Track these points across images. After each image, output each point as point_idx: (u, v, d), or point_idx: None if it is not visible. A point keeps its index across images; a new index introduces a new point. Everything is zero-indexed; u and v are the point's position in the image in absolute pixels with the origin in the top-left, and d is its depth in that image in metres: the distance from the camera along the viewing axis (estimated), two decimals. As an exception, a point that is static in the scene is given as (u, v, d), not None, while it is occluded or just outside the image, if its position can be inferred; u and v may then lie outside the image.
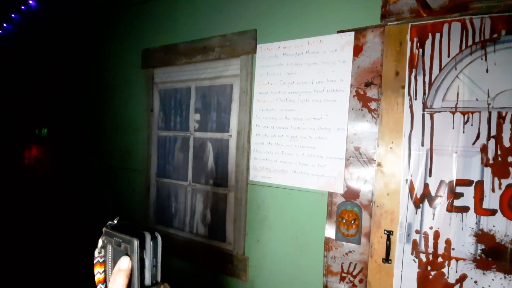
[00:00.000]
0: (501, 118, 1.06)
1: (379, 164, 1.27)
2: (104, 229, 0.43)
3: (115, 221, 0.45)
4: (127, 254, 0.39)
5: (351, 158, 1.34)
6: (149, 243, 0.41)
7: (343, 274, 1.36)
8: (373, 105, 1.29)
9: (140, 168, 2.15)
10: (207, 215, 1.87)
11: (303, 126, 1.46)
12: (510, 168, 1.05)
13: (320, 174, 1.41)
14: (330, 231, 1.39)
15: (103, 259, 0.43)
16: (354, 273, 1.33)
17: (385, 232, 1.24)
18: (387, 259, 1.24)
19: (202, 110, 1.87)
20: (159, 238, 0.42)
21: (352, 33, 1.33)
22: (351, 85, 1.34)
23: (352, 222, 1.32)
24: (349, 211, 1.33)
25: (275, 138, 1.55)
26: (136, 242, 0.39)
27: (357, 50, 1.32)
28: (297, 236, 1.51)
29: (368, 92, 1.30)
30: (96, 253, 0.43)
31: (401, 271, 1.21)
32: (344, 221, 1.34)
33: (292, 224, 1.52)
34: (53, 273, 2.33)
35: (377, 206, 1.26)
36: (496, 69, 1.08)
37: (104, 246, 0.43)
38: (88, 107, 2.52)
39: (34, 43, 3.16)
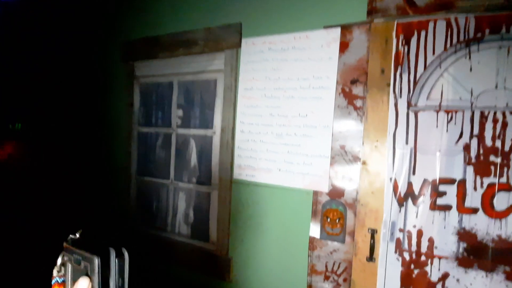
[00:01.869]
0: (483, 117, 1.07)
1: (364, 163, 1.25)
2: (64, 244, 0.38)
3: (77, 235, 0.39)
4: (87, 274, 0.34)
5: (336, 156, 1.32)
6: (114, 261, 0.35)
7: (327, 273, 1.35)
8: (358, 103, 1.28)
9: (120, 166, 2.06)
10: (190, 214, 1.81)
11: (288, 124, 1.43)
12: (491, 167, 1.06)
13: (306, 173, 1.39)
14: (315, 230, 1.37)
15: (62, 279, 0.37)
16: (338, 272, 1.32)
17: (369, 230, 1.23)
18: (371, 257, 1.23)
19: (185, 105, 1.81)
20: (126, 255, 0.37)
21: (338, 29, 1.30)
22: (337, 82, 1.31)
23: (337, 221, 1.31)
24: (333, 210, 1.31)
25: (260, 136, 1.51)
26: (96, 261, 0.34)
27: (343, 46, 1.30)
28: (282, 235, 1.48)
29: (353, 90, 1.29)
30: (54, 272, 0.38)
31: (385, 270, 1.21)
32: (328, 220, 1.32)
33: (277, 223, 1.49)
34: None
35: (362, 205, 1.25)
36: (480, 68, 1.08)
37: (63, 264, 0.37)
38: (65, 102, 2.39)
39: (7, 34, 2.97)
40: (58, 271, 0.37)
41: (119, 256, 0.36)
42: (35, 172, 2.61)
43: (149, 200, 1.97)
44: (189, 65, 1.77)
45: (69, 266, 0.36)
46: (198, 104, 1.75)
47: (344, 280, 1.31)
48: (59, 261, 0.37)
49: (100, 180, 2.19)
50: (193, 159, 1.79)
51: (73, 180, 2.34)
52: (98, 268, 0.33)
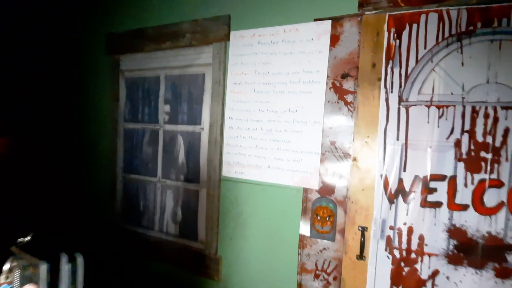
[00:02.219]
0: (474, 112, 1.05)
1: (354, 159, 1.23)
2: (13, 249, 0.33)
3: (29, 238, 0.34)
4: (33, 281, 0.30)
5: (326, 152, 1.29)
6: (65, 267, 0.31)
7: (317, 272, 1.32)
8: (349, 98, 1.24)
9: (106, 163, 1.99)
10: (178, 212, 1.76)
11: (278, 119, 1.39)
12: (482, 163, 1.04)
13: (295, 170, 1.35)
14: (304, 228, 1.34)
15: (10, 286, 0.33)
16: (328, 271, 1.30)
17: (360, 228, 1.21)
18: (361, 255, 1.21)
19: (173, 101, 1.75)
20: (80, 260, 0.33)
21: (329, 21, 1.27)
22: (328, 76, 1.28)
23: (327, 218, 1.28)
24: (324, 208, 1.29)
25: (249, 132, 1.47)
26: (44, 266, 0.29)
27: (334, 40, 1.26)
28: (271, 233, 1.45)
29: (344, 84, 1.25)
30: (1, 279, 0.33)
31: (375, 268, 1.19)
32: (319, 217, 1.30)
33: (266, 222, 1.46)
34: None
35: (352, 202, 1.23)
36: (471, 63, 1.06)
37: (11, 270, 0.33)
38: (47, 96, 2.30)
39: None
40: (6, 278, 0.33)
41: (72, 261, 0.32)
42: (13, 168, 2.51)
43: (136, 198, 1.91)
44: (176, 59, 1.71)
45: (17, 272, 0.32)
46: (186, 99, 1.70)
47: (334, 278, 1.28)
48: (6, 266, 0.33)
49: (85, 177, 2.11)
50: (181, 156, 1.74)
51: (55, 176, 2.26)
52: (46, 274, 0.29)
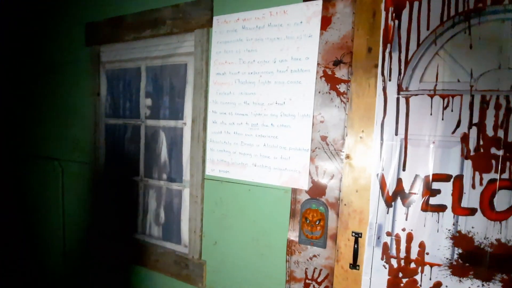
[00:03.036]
0: (484, 102, 0.91)
1: (347, 157, 1.09)
2: None
3: None
4: None
5: (317, 149, 1.16)
6: None
7: (307, 281, 1.20)
8: (342, 88, 1.11)
9: (87, 161, 1.88)
10: (160, 214, 1.65)
11: (264, 113, 1.26)
12: (492, 161, 0.91)
13: (283, 168, 1.23)
14: (293, 233, 1.22)
15: None
16: (319, 280, 1.18)
17: (353, 234, 1.08)
18: (354, 264, 1.08)
19: (154, 94, 1.62)
20: None
21: (320, 1, 1.13)
22: (318, 64, 1.14)
23: (317, 222, 1.15)
24: (313, 210, 1.16)
25: (233, 127, 1.34)
26: None
27: (325, 22, 1.13)
28: (257, 237, 1.32)
29: (337, 72, 1.12)
30: None
31: (370, 278, 1.06)
32: (308, 221, 1.17)
33: (252, 225, 1.33)
34: None
35: (345, 205, 1.10)
36: (481, 45, 0.92)
37: None
38: (25, 90, 2.18)
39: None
40: None
41: None
42: None
43: (118, 198, 1.79)
44: (157, 48, 1.58)
45: None
46: (168, 92, 1.57)
47: (325, 288, 1.16)
48: None
49: (66, 176, 2.00)
50: (164, 153, 1.62)
51: (34, 175, 2.15)
52: None
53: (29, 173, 2.20)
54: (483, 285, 0.93)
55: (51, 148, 2.08)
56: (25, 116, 2.20)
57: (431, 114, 0.97)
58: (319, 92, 1.15)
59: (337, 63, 1.11)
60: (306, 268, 1.19)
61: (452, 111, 0.95)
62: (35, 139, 2.15)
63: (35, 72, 2.11)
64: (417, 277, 1.00)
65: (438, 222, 0.97)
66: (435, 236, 0.97)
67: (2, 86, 2.31)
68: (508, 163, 0.89)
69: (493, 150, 0.91)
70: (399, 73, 1.01)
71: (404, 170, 1.01)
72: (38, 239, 2.19)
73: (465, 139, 0.93)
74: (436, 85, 0.96)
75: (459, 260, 0.95)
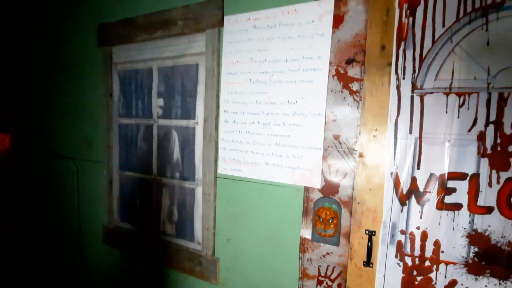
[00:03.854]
0: (502, 100, 0.90)
1: (361, 155, 1.09)
2: None
3: None
4: None
5: (329, 148, 1.16)
6: None
7: (320, 278, 1.21)
8: (355, 86, 1.11)
9: (102, 160, 1.92)
10: (173, 212, 1.68)
11: (276, 112, 1.27)
12: (510, 159, 0.89)
13: (295, 167, 1.23)
14: (306, 231, 1.23)
15: None
16: (332, 277, 1.19)
17: (367, 232, 1.09)
18: (368, 262, 1.09)
19: (166, 94, 1.64)
20: None
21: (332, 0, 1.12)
22: (330, 62, 1.14)
23: (330, 221, 1.16)
24: (326, 209, 1.17)
25: (245, 126, 1.35)
26: None
27: (338, 20, 1.12)
28: (270, 235, 1.34)
29: (349, 71, 1.11)
30: None
31: (384, 276, 1.07)
32: (321, 219, 1.18)
33: (265, 223, 1.35)
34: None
35: (358, 203, 1.10)
36: (499, 42, 0.90)
37: None
38: (40, 91, 2.24)
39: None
40: None
41: None
42: (7, 165, 2.49)
43: (132, 196, 1.83)
44: (168, 49, 1.59)
45: None
46: (179, 92, 1.59)
47: (339, 285, 1.17)
48: None
49: (81, 174, 2.06)
50: (176, 152, 1.64)
51: (50, 174, 2.21)
52: None
53: (46, 172, 2.27)
54: (500, 283, 0.93)
55: (65, 148, 2.13)
56: (39, 116, 2.26)
57: (446, 112, 0.96)
58: (332, 91, 1.15)
59: (349, 61, 1.11)
60: (319, 266, 1.21)
61: (468, 109, 0.94)
62: (51, 139, 2.21)
63: (49, 73, 2.16)
64: (432, 275, 1.00)
65: (453, 221, 0.96)
66: (450, 234, 0.97)
67: (17, 87, 2.38)
68: (526, 161, 0.88)
69: (510, 148, 0.90)
70: (413, 71, 1.00)
71: (418, 168, 1.00)
72: (54, 237, 2.26)
73: (481, 137, 0.92)
74: (451, 83, 0.95)
75: (475, 258, 0.95)
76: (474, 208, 0.94)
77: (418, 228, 1.01)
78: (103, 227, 1.94)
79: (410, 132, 1.01)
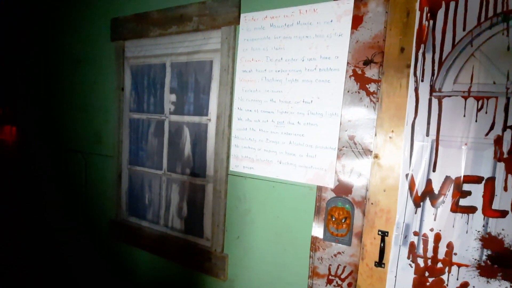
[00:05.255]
0: (521, 105, 0.90)
1: (376, 156, 1.10)
2: None
3: None
4: None
5: (344, 148, 1.17)
6: None
7: (330, 277, 1.22)
8: (372, 87, 1.11)
9: (111, 154, 1.93)
10: (183, 207, 1.69)
11: (291, 111, 1.28)
12: (527, 164, 0.90)
13: (309, 166, 1.24)
14: (317, 230, 1.24)
15: None
16: (342, 276, 1.20)
17: (380, 233, 1.10)
18: (380, 262, 1.10)
19: (179, 90, 1.65)
20: None
21: (351, 0, 1.12)
22: (348, 63, 1.15)
23: (343, 220, 1.17)
24: (339, 208, 1.17)
25: (259, 124, 1.36)
26: None
27: (357, 21, 1.12)
28: (281, 233, 1.35)
29: (367, 72, 1.12)
30: None
31: (395, 277, 1.08)
32: (333, 219, 1.19)
33: (276, 220, 1.36)
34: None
35: (372, 204, 1.11)
36: (520, 47, 0.90)
37: None
38: (52, 85, 2.24)
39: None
40: None
41: None
42: (19, 157, 2.50)
43: (141, 191, 1.85)
44: (182, 44, 1.60)
45: None
46: (193, 88, 1.60)
47: (349, 285, 1.18)
48: None
49: (90, 168, 2.07)
50: (187, 148, 1.65)
51: (60, 166, 2.22)
52: None
53: (55, 165, 2.28)
54: (511, 286, 0.94)
55: (74, 141, 2.14)
56: (50, 108, 2.27)
57: (464, 116, 0.97)
58: (348, 91, 1.15)
59: (367, 62, 1.11)
60: (330, 265, 1.22)
61: (486, 113, 0.94)
62: (61, 132, 2.22)
63: (61, 66, 2.17)
64: (444, 277, 1.01)
65: (467, 223, 0.97)
66: (464, 237, 0.98)
67: (30, 81, 2.38)
68: (541, 167, 0.89)
69: (527, 153, 0.90)
70: (432, 74, 1.00)
71: (434, 171, 1.01)
72: (63, 230, 2.28)
73: (499, 141, 0.93)
74: (470, 86, 0.96)
75: (488, 261, 0.96)
76: (489, 211, 0.95)
77: (431, 230, 1.02)
78: (110, 221, 1.95)
79: (427, 135, 1.01)
